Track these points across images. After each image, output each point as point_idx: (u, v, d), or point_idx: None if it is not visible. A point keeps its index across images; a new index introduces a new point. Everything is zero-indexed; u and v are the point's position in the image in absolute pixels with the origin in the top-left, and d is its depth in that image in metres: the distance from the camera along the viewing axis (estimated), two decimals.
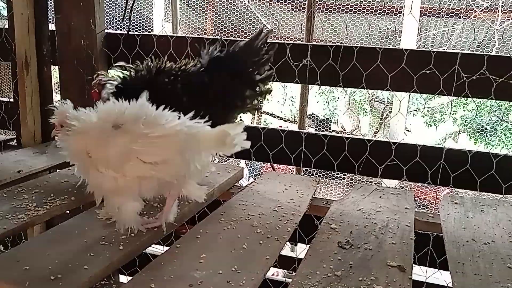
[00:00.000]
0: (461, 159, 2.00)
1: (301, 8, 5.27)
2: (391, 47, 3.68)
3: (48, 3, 2.48)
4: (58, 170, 2.20)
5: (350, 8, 5.33)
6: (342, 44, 2.05)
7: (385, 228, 1.61)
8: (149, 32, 5.38)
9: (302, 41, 5.48)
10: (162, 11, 5.50)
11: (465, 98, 1.99)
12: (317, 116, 7.86)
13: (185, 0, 5.94)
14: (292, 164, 2.17)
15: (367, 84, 2.04)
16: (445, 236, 1.56)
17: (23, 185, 1.84)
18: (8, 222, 1.53)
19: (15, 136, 2.59)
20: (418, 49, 2.21)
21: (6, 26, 2.35)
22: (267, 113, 7.51)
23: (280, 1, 5.49)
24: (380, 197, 1.93)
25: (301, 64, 2.07)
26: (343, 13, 5.33)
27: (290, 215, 1.70)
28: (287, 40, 2.25)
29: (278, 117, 8.04)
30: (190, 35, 2.25)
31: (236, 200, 1.81)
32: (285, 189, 1.96)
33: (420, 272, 2.10)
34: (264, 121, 8.17)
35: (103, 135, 1.40)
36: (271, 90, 1.89)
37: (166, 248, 2.34)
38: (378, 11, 5.35)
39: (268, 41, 1.86)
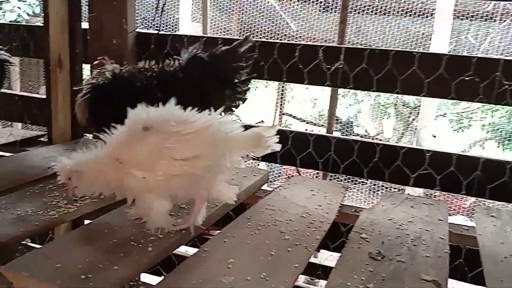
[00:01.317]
0: (499, 170, 1.94)
1: (329, 9, 5.23)
2: (428, 51, 3.61)
3: (82, 1, 2.50)
4: None
5: (378, 10, 5.25)
6: (377, 48, 2.01)
7: (418, 240, 1.57)
8: (175, 31, 5.41)
9: (328, 42, 5.45)
10: (189, 11, 5.52)
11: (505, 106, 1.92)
12: (340, 119, 7.79)
13: (211, 0, 5.95)
14: (320, 169, 2.14)
15: (402, 89, 2.00)
16: (481, 251, 1.51)
17: (54, 181, 1.86)
18: (40, 218, 1.55)
19: (46, 133, 2.63)
20: (458, 54, 2.15)
21: (38, 24, 2.38)
22: (288, 114, 7.47)
23: (308, 2, 5.45)
24: (412, 206, 1.89)
25: (333, 67, 2.04)
26: (371, 15, 5.26)
27: (319, 222, 1.67)
28: (313, 42, 2.23)
29: (300, 119, 7.99)
30: (221, 36, 2.25)
31: (263, 205, 1.79)
32: (313, 194, 1.93)
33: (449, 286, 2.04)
34: (285, 122, 8.14)
35: (133, 137, 1.41)
36: (249, 89, 1.99)
37: (189, 248, 2.36)
38: (408, 13, 5.26)
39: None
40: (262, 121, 7.08)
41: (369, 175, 2.09)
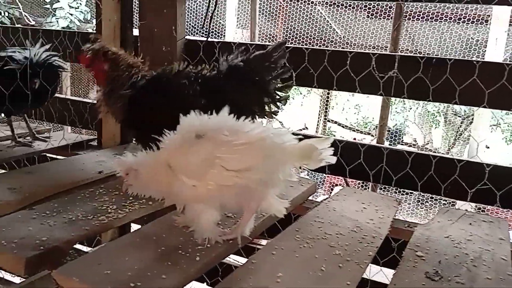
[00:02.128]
0: None
1: (376, 15, 5.12)
2: (490, 60, 3.43)
3: (134, 9, 2.55)
4: None
5: (430, 16, 5.08)
6: (434, 56, 1.92)
7: (478, 260, 1.48)
8: (221, 38, 5.44)
9: (377, 49, 5.33)
10: (235, 18, 5.55)
11: None
12: (388, 127, 7.60)
13: (250, 6, 5.96)
14: (371, 180, 2.07)
15: (460, 100, 1.90)
16: None
17: (104, 186, 1.89)
18: (90, 223, 1.57)
19: (96, 137, 2.68)
20: None
21: (89, 30, 2.43)
22: (333, 121, 7.36)
23: (355, 8, 5.35)
24: (470, 224, 1.78)
25: (386, 76, 1.97)
26: (422, 21, 5.10)
27: (371, 237, 1.61)
28: (360, 48, 2.16)
29: (344, 125, 7.87)
30: (270, 44, 2.22)
31: (312, 217, 1.74)
32: (364, 207, 1.87)
33: None
34: (329, 129, 8.03)
35: (185, 144, 1.40)
36: (289, 96, 1.97)
37: (233, 255, 2.33)
38: (462, 20, 5.06)
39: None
40: (306, 127, 7.02)
41: (423, 189, 2.00)
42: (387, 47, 5.15)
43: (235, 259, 2.29)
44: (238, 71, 1.89)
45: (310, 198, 2.08)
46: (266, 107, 1.93)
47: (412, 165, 2.00)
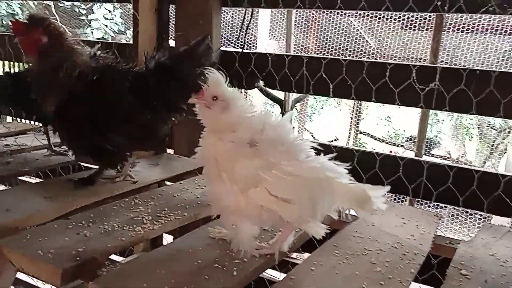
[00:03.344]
0: None
1: (411, 26, 5.04)
2: None
3: (170, 20, 2.57)
4: (169, 183, 2.25)
5: (465, 27, 4.97)
6: (478, 68, 1.86)
7: None
8: (253, 49, 5.45)
9: (411, 60, 5.23)
10: (267, 29, 5.56)
11: None
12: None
13: (286, 17, 5.96)
14: (410, 195, 2.00)
15: (505, 113, 1.82)
16: None
17: (139, 196, 1.89)
18: (126, 233, 1.56)
19: None
20: None
21: (123, 41, 2.45)
22: (365, 133, 7.26)
23: (388, 19, 5.29)
24: None
25: (427, 88, 1.91)
26: (458, 33, 4.99)
27: (412, 254, 1.54)
28: (392, 60, 2.12)
29: (376, 138, 7.74)
30: (307, 55, 2.20)
31: (350, 232, 1.69)
32: (403, 223, 1.80)
33: None
34: (359, 140, 7.92)
35: (236, 147, 1.34)
36: None
37: (269, 270, 2.29)
38: (498, 31, 4.93)
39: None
40: (337, 139, 6.95)
41: (465, 204, 1.92)
42: (421, 58, 5.07)
43: (268, 273, 2.25)
44: (164, 68, 1.89)
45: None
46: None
47: (454, 180, 1.93)
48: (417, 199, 2.50)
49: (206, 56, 1.92)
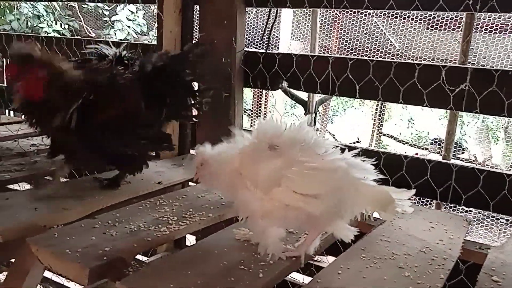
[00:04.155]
0: None
1: (437, 26, 4.95)
2: None
3: (194, 21, 2.57)
4: (192, 184, 2.25)
5: (492, 27, 4.86)
6: (510, 69, 1.80)
7: None
8: (275, 50, 5.44)
9: (436, 61, 5.14)
10: (289, 29, 5.54)
11: None
12: (443, 141, 7.31)
13: (310, 18, 5.92)
14: (438, 199, 1.96)
15: None
16: None
17: (164, 196, 1.89)
18: (152, 234, 1.56)
19: None
20: None
21: (146, 42, 2.46)
22: (389, 136, 7.17)
23: (414, 19, 5.20)
24: None
25: (457, 89, 1.86)
26: (485, 33, 4.88)
27: (441, 259, 1.51)
28: (418, 61, 2.07)
29: (400, 140, 7.64)
30: (332, 55, 2.17)
31: (377, 235, 1.66)
32: (431, 227, 1.76)
33: None
34: (381, 143, 7.83)
35: (257, 153, 1.37)
36: (209, 101, 2.04)
37: (295, 273, 2.27)
38: None
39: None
40: (359, 141, 6.88)
41: (495, 209, 1.87)
42: (446, 59, 4.97)
43: (291, 276, 2.23)
44: (163, 72, 1.88)
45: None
46: (193, 109, 1.96)
47: (484, 184, 1.88)
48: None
49: (200, 60, 1.94)
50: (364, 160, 1.38)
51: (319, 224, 1.40)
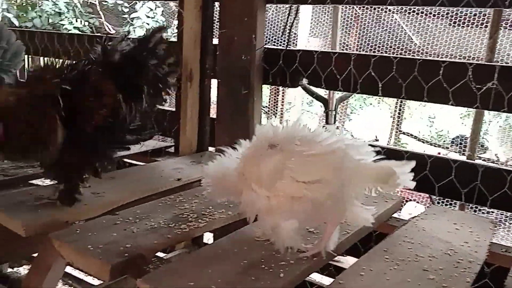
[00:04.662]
0: None
1: (460, 23, 4.85)
2: None
3: (214, 18, 2.56)
4: None
5: None
6: None
7: None
8: (294, 47, 5.41)
9: (459, 59, 5.04)
10: (308, 26, 5.50)
11: None
12: (463, 140, 7.18)
13: (329, 15, 5.87)
14: (463, 200, 1.91)
15: None
16: None
17: (183, 193, 1.89)
18: (172, 231, 1.56)
19: (173, 144, 2.72)
20: None
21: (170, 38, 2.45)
22: (409, 134, 7.07)
23: (435, 16, 5.11)
24: None
25: (484, 87, 1.82)
26: (509, 30, 4.77)
27: (467, 262, 1.47)
28: (440, 58, 2.03)
29: (420, 139, 7.53)
30: (354, 52, 2.14)
31: (400, 236, 1.63)
32: (456, 229, 1.72)
33: None
34: (399, 141, 7.73)
35: (258, 154, 1.39)
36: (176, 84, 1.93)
37: (318, 275, 2.25)
38: None
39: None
40: (377, 139, 6.79)
41: None
42: (469, 56, 4.88)
43: (312, 277, 2.20)
44: (133, 60, 1.74)
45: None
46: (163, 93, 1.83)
47: (511, 185, 1.83)
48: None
49: (160, 46, 1.79)
50: (361, 140, 1.41)
51: (329, 213, 1.39)
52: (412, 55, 5.38)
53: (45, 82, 1.65)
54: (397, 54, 5.27)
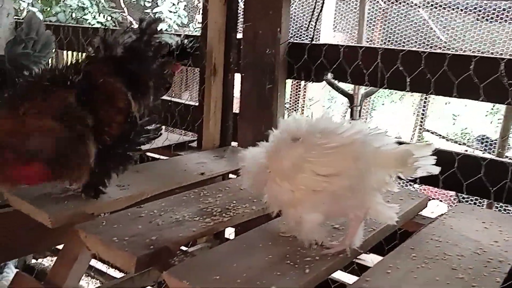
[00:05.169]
0: None
1: (488, 18, 4.73)
2: None
3: (238, 12, 2.54)
4: (232, 176, 2.24)
5: None
6: None
7: None
8: (317, 41, 5.36)
9: (488, 54, 4.90)
10: (331, 21, 5.44)
11: None
12: (489, 138, 7.02)
13: (353, 9, 5.80)
14: (491, 198, 1.87)
15: None
16: None
17: (207, 188, 1.89)
18: (196, 224, 1.56)
19: (195, 138, 2.72)
20: None
21: (186, 33, 2.43)
22: (433, 132, 6.94)
23: (463, 10, 4.99)
24: None
25: None
26: None
27: (497, 261, 1.43)
28: (471, 53, 1.97)
29: (444, 137, 7.38)
30: (382, 47, 2.10)
31: (427, 234, 1.60)
32: (485, 227, 1.68)
33: None
34: (422, 139, 7.61)
35: (280, 147, 1.39)
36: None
37: (339, 272, 2.23)
38: None
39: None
40: (399, 136, 6.69)
41: None
42: (498, 52, 4.75)
43: (333, 274, 2.19)
44: (135, 52, 1.66)
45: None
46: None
47: None
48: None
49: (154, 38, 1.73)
50: (382, 132, 1.37)
51: (351, 206, 1.37)
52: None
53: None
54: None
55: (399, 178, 1.36)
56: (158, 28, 1.72)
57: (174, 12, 7.51)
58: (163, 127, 2.09)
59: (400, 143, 1.38)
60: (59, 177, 1.56)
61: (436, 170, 1.30)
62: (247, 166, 1.51)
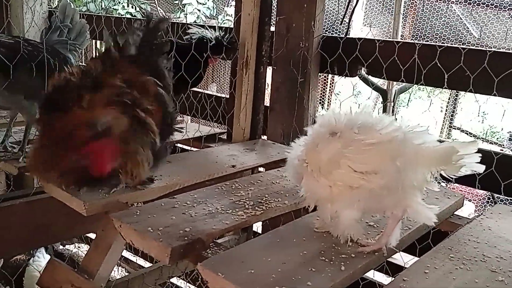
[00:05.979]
0: None
1: None
2: None
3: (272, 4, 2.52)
4: (261, 169, 2.23)
5: None
6: None
7: None
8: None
9: None
10: (361, 15, 5.36)
11: None
12: None
13: (384, 4, 5.71)
14: None
15: None
16: None
17: (239, 180, 1.88)
18: (229, 217, 1.56)
19: (226, 130, 2.72)
20: None
21: (217, 25, 2.40)
22: (464, 131, 6.79)
23: (496, 7, 4.86)
24: None
25: None
26: None
27: None
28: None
29: (474, 135, 7.22)
30: (420, 42, 2.05)
31: (464, 235, 1.56)
32: None
33: None
34: (451, 136, 7.45)
35: (319, 140, 1.38)
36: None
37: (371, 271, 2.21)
38: None
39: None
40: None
41: None
42: None
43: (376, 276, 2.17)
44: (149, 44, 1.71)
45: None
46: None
47: None
48: None
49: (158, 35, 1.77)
50: (425, 131, 1.33)
51: (388, 204, 1.34)
52: None
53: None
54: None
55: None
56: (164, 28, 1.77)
57: (203, 4, 7.51)
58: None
59: (440, 141, 1.35)
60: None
61: (481, 168, 1.26)
62: (289, 158, 1.50)
